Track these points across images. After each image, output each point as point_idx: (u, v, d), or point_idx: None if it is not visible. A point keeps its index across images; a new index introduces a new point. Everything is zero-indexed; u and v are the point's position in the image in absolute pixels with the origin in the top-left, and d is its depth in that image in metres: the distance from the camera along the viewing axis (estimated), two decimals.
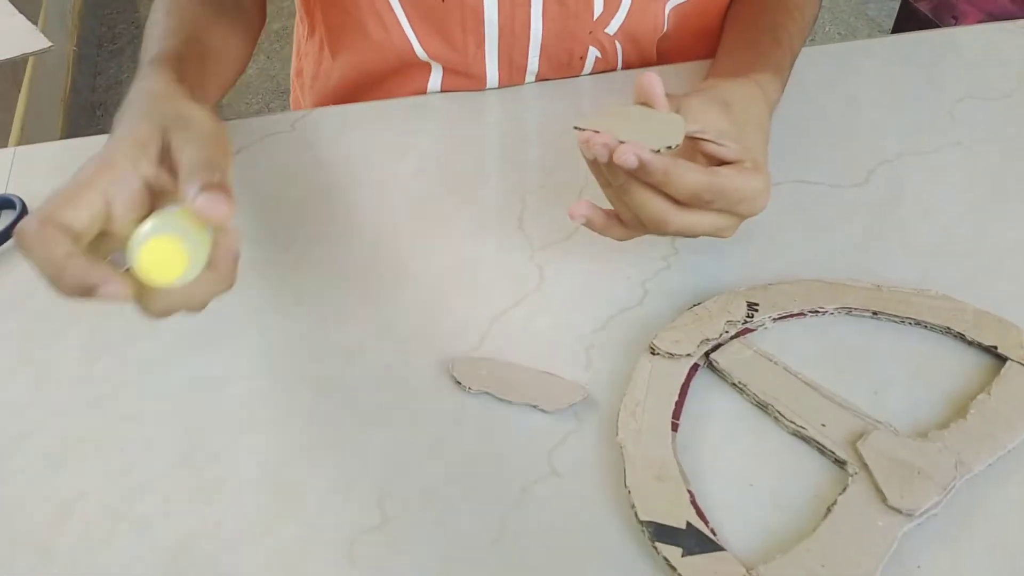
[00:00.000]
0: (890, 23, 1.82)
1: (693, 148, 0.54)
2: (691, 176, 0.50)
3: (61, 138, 1.90)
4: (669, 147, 0.50)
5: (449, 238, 0.62)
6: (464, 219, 0.63)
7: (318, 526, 0.47)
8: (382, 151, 0.69)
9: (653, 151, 0.49)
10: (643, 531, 0.45)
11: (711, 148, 0.53)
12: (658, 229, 0.52)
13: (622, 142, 0.49)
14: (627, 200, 0.52)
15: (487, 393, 0.52)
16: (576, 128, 0.50)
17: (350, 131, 0.71)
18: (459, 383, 0.52)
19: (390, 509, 0.47)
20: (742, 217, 0.54)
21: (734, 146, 0.53)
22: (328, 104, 0.79)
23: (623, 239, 0.55)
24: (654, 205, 0.51)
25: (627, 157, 0.49)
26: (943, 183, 0.65)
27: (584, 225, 0.54)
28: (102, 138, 0.70)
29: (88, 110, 2.14)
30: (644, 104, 0.53)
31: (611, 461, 0.49)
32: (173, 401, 0.52)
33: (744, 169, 0.53)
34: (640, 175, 0.50)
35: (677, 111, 0.53)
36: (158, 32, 0.59)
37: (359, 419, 0.51)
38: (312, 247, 0.61)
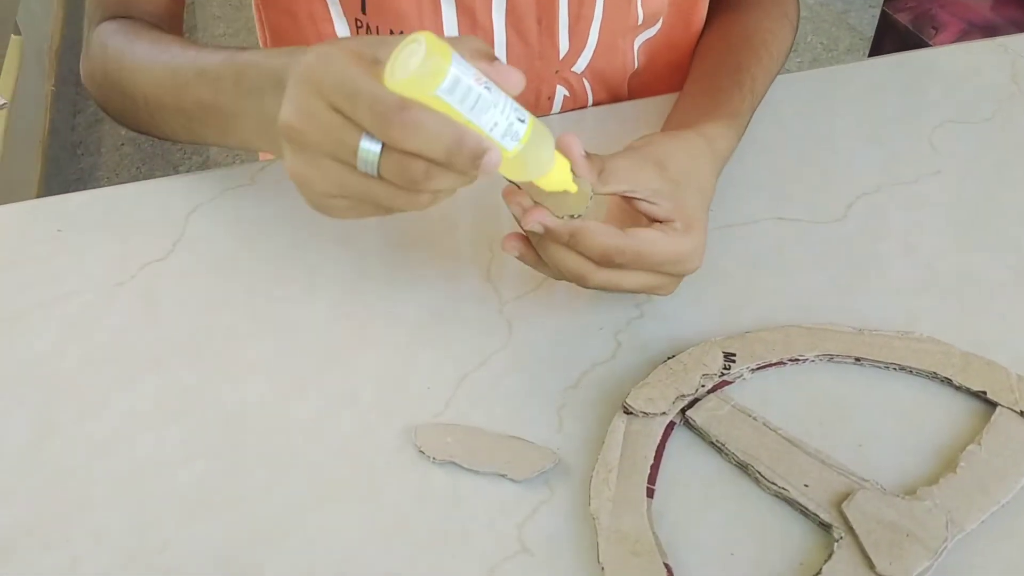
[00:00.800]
0: (871, 31, 1.81)
1: (631, 204, 0.53)
2: (599, 239, 0.50)
3: (41, 179, 1.88)
4: (572, 216, 0.49)
5: (415, 292, 0.59)
6: (431, 271, 0.60)
7: None
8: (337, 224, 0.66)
9: (557, 217, 0.49)
10: None
11: (644, 207, 0.52)
12: (580, 283, 0.52)
13: (536, 203, 0.49)
14: (545, 255, 0.52)
15: (453, 463, 0.49)
16: (507, 179, 0.49)
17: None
18: (423, 453, 0.50)
19: None
20: (674, 276, 0.53)
21: (665, 205, 0.52)
22: None
23: (557, 278, 0.54)
24: (571, 262, 0.51)
25: (533, 224, 0.50)
26: (924, 215, 0.63)
27: (517, 258, 0.54)
28: (72, 196, 0.69)
29: (68, 149, 2.12)
30: None
31: (584, 533, 0.46)
32: (123, 486, 0.50)
33: (671, 230, 0.52)
34: (549, 238, 0.50)
35: (601, 171, 0.51)
36: (188, 53, 0.58)
37: (317, 498, 0.48)
38: (270, 310, 0.58)
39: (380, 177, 0.43)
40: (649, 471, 0.48)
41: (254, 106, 0.51)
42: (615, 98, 0.75)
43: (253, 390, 0.54)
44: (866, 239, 0.62)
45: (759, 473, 0.48)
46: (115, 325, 0.58)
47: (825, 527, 0.46)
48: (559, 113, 0.74)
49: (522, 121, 0.44)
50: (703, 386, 0.51)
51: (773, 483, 0.47)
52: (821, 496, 0.47)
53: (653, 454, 0.49)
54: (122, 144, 2.09)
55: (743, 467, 0.49)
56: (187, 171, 1.45)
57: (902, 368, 0.53)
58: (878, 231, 0.62)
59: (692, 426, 0.50)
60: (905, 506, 0.46)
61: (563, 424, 0.52)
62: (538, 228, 0.49)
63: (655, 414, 0.50)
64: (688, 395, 0.51)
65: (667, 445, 0.50)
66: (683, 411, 0.51)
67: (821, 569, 0.44)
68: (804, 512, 0.47)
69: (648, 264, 0.51)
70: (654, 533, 0.45)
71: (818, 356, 0.53)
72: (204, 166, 1.96)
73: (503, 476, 0.49)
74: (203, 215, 0.65)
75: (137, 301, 0.59)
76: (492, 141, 0.43)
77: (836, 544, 0.45)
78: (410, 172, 0.42)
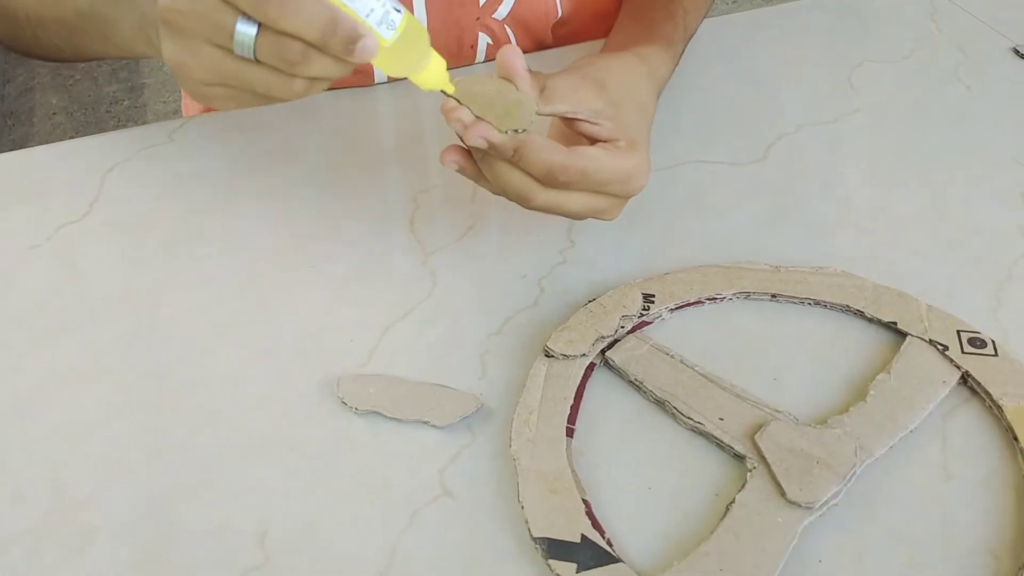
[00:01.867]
0: None
1: (572, 127, 0.52)
2: (544, 156, 0.48)
3: None
4: (516, 130, 0.48)
5: (336, 246, 0.59)
6: (352, 224, 0.60)
7: (196, 570, 0.44)
8: (265, 157, 0.65)
9: (501, 132, 0.47)
10: (537, 548, 0.43)
11: (585, 127, 0.51)
12: (523, 204, 0.51)
13: (478, 118, 0.48)
14: (489, 173, 0.50)
15: (375, 412, 0.49)
16: (445, 94, 0.48)
17: (231, 138, 0.67)
18: (345, 404, 0.50)
19: (272, 546, 0.44)
20: (619, 198, 0.52)
21: (608, 124, 0.51)
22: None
23: (497, 193, 0.52)
24: (515, 179, 0.49)
25: (476, 139, 0.47)
26: (843, 154, 0.64)
27: (457, 171, 0.52)
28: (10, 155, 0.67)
29: None
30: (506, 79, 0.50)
31: (506, 475, 0.47)
32: (42, 445, 0.49)
33: (616, 149, 0.51)
34: (493, 153, 0.48)
35: (543, 89, 0.50)
36: None
37: (238, 451, 0.48)
38: (189, 267, 0.58)
39: (256, 61, 0.43)
40: (569, 411, 0.49)
41: (129, 5, 0.51)
42: (540, 46, 0.75)
43: (173, 346, 0.53)
44: (785, 180, 0.62)
45: (676, 409, 0.49)
46: (31, 287, 0.57)
47: (739, 458, 0.47)
48: (483, 62, 0.73)
49: (398, 11, 0.44)
50: (622, 327, 0.52)
51: (689, 418, 0.48)
52: (735, 428, 0.47)
53: (573, 395, 0.49)
54: (54, 114, 2.04)
55: (660, 404, 0.49)
56: None
57: (816, 303, 0.53)
58: (797, 171, 0.63)
59: (611, 366, 0.51)
60: (815, 435, 0.47)
61: (486, 370, 0.52)
62: (481, 144, 0.48)
63: (575, 356, 0.51)
64: (608, 336, 0.52)
65: (587, 386, 0.50)
66: (603, 352, 0.52)
67: (735, 499, 0.45)
68: (719, 445, 0.47)
69: (593, 183, 0.50)
70: (573, 471, 0.46)
71: (735, 294, 0.54)
72: None
73: (426, 423, 0.49)
74: (120, 175, 0.64)
75: (54, 263, 0.58)
76: (368, 27, 0.43)
77: (749, 474, 0.46)
78: (286, 53, 0.42)
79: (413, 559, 0.44)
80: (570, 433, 0.48)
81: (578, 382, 0.50)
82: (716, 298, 0.54)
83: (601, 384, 0.51)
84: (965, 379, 0.50)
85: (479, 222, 0.60)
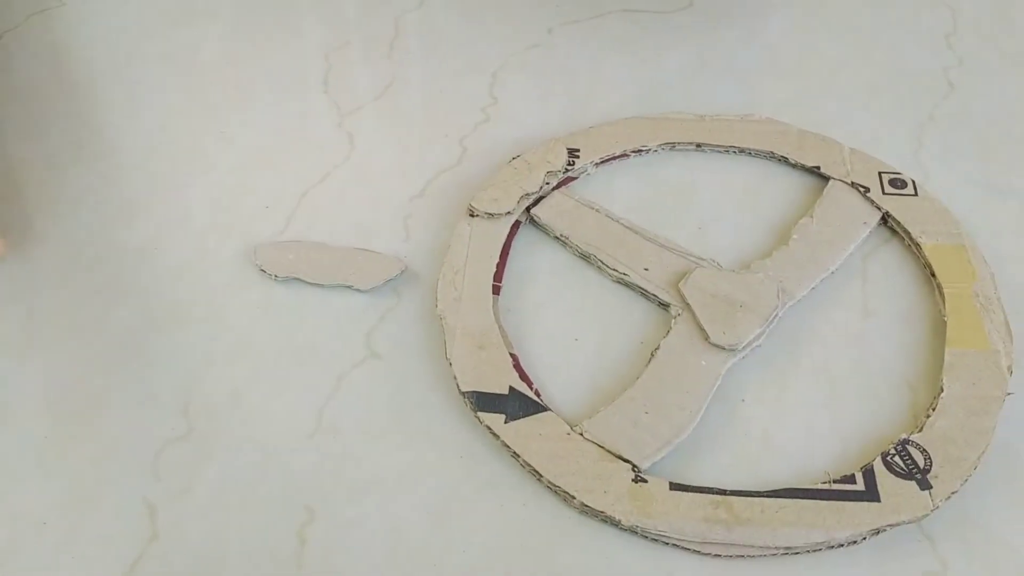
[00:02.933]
0: None
1: None
2: None
3: None
4: None
5: (247, 110, 0.56)
6: (263, 88, 0.57)
7: (118, 443, 0.43)
8: (167, 19, 0.61)
9: None
10: (465, 402, 0.43)
11: None
12: None
13: None
14: None
15: (296, 279, 0.48)
16: None
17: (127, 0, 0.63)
18: (264, 272, 0.48)
19: (195, 416, 0.44)
20: None
21: None
22: None
23: None
24: None
25: None
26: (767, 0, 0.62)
27: None
28: None
29: None
30: None
31: (432, 335, 0.46)
32: None
33: None
34: None
35: None
36: None
37: (156, 323, 0.47)
38: (90, 138, 0.55)
39: None
40: (495, 269, 0.48)
41: None
42: None
43: (79, 221, 0.51)
44: (712, 26, 0.61)
45: (601, 261, 0.48)
46: None
47: (664, 306, 0.47)
48: None
49: None
50: (548, 183, 0.51)
51: (615, 269, 0.48)
52: (660, 278, 0.47)
53: (498, 253, 0.49)
54: None
55: (586, 257, 0.49)
56: None
57: (741, 150, 0.53)
58: (723, 17, 0.61)
59: (537, 223, 0.50)
60: (739, 279, 0.47)
61: (410, 233, 0.51)
62: None
63: (500, 214, 0.50)
64: (533, 193, 0.50)
65: (512, 243, 0.50)
66: (528, 209, 0.51)
67: (659, 345, 0.45)
68: (644, 294, 0.47)
69: None
70: (500, 326, 0.46)
71: (660, 146, 0.53)
72: None
73: (349, 287, 0.48)
74: (11, 42, 0.60)
75: None
76: None
77: (674, 321, 0.46)
78: None
79: (341, 421, 0.44)
80: (496, 291, 0.48)
81: (503, 240, 0.49)
82: (641, 150, 0.53)
83: (527, 241, 0.50)
84: (886, 219, 0.50)
85: (397, 80, 0.58)
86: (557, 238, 0.50)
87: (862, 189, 0.50)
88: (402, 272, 0.48)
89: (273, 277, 0.48)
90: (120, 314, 0.47)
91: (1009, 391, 0.43)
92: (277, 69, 0.58)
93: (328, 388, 0.45)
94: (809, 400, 0.44)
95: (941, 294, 0.46)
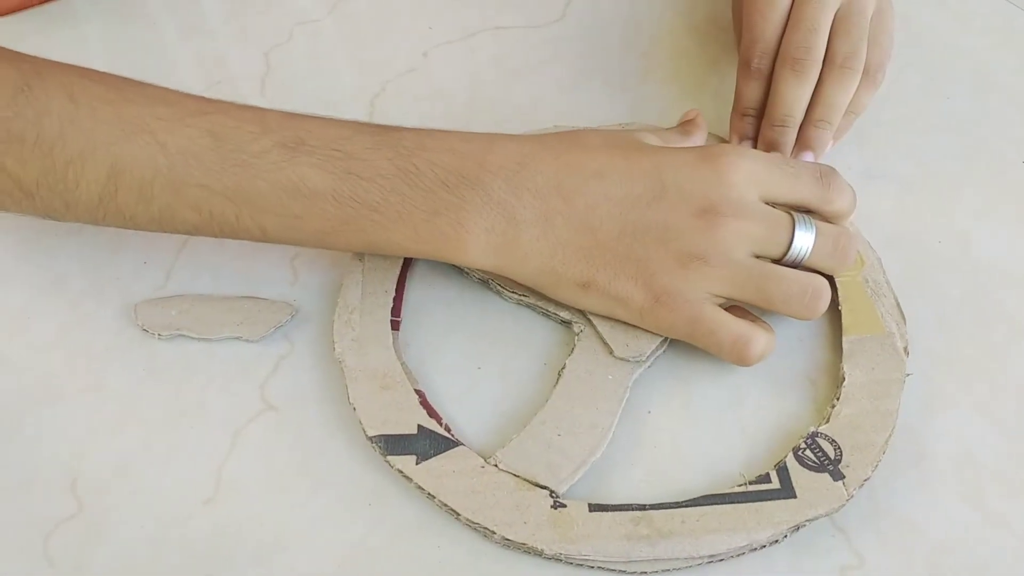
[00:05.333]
0: None
1: None
2: None
3: None
4: None
5: None
6: None
7: (4, 529, 0.40)
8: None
9: None
10: (374, 447, 0.42)
11: None
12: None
13: None
14: None
15: (181, 335, 0.46)
16: None
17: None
18: (147, 331, 0.46)
19: (85, 492, 0.41)
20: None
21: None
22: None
23: None
24: None
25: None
26: (642, 4, 0.63)
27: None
28: None
29: None
30: None
31: (331, 380, 0.45)
32: None
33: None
34: None
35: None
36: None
37: (34, 396, 0.44)
38: None
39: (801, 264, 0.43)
40: (392, 303, 0.47)
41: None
42: None
43: None
44: (587, 37, 0.61)
45: (499, 285, 0.47)
46: None
47: (566, 324, 0.46)
48: None
49: None
50: None
51: (513, 292, 0.47)
52: None
53: (394, 287, 0.47)
54: None
55: (484, 283, 0.48)
56: None
57: None
58: (598, 26, 0.61)
59: None
60: None
61: (298, 275, 0.49)
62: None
63: None
64: None
65: (408, 275, 0.48)
66: None
67: (565, 364, 0.44)
68: (546, 314, 0.47)
69: None
70: (403, 363, 0.44)
71: None
72: None
73: (238, 339, 0.46)
74: None
75: None
76: None
77: (577, 338, 0.45)
78: (845, 246, 0.44)
79: (241, 480, 0.42)
80: (395, 326, 0.46)
81: (398, 272, 0.48)
82: None
83: (422, 271, 0.49)
84: None
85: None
86: (453, 265, 0.49)
87: None
88: (292, 317, 0.47)
89: (156, 336, 0.46)
90: None
91: (908, 372, 0.44)
92: None
93: (224, 447, 0.43)
94: (714, 404, 0.44)
95: (832, 284, 0.47)
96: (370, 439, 0.42)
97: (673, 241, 0.42)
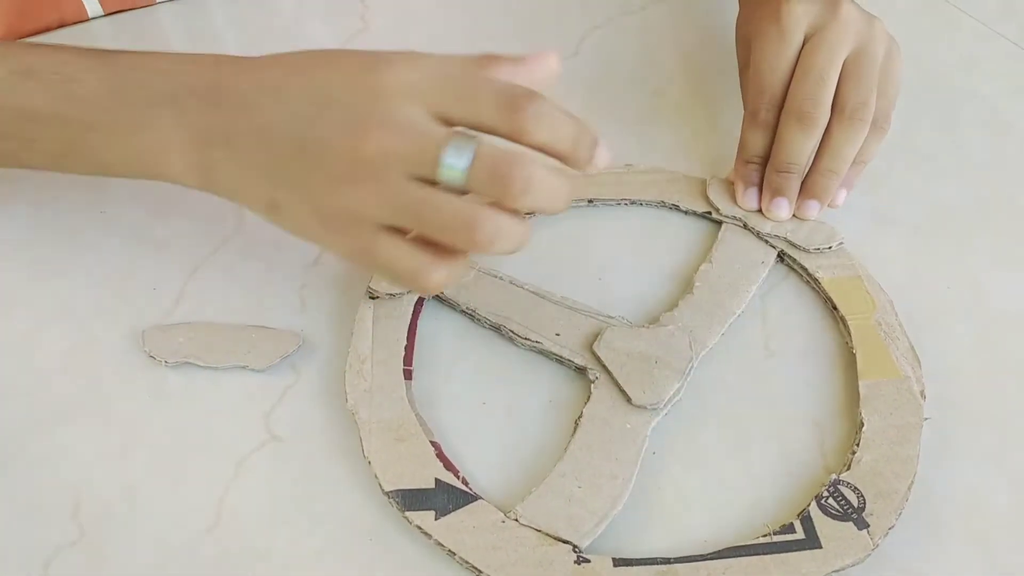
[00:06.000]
0: None
1: None
2: None
3: None
4: None
5: (128, 184, 0.53)
6: None
7: (6, 554, 0.40)
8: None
9: None
10: (391, 503, 0.41)
11: None
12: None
13: None
14: None
15: (188, 363, 0.46)
16: None
17: None
18: (154, 358, 0.46)
19: (87, 518, 0.41)
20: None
21: None
22: None
23: None
24: None
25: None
26: (655, 43, 0.63)
27: None
28: None
29: None
30: None
31: (335, 413, 0.45)
32: None
33: None
34: None
35: None
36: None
37: (40, 420, 0.44)
38: None
39: (458, 192, 0.37)
40: (404, 353, 0.46)
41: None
42: None
43: None
44: (599, 75, 0.61)
45: (512, 332, 0.47)
46: None
47: (581, 371, 0.46)
48: None
49: None
50: None
51: (527, 339, 0.47)
52: (573, 341, 0.47)
53: (405, 335, 0.47)
54: None
55: (496, 329, 0.48)
56: None
57: (632, 202, 0.53)
58: (610, 64, 0.62)
59: (441, 298, 0.49)
60: (650, 334, 0.46)
61: (306, 304, 0.49)
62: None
63: (401, 294, 0.48)
64: None
65: (418, 323, 0.48)
66: None
67: (582, 412, 0.44)
68: (560, 360, 0.46)
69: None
70: (416, 414, 0.44)
71: None
72: None
73: (244, 368, 0.46)
74: None
75: None
76: None
77: (593, 385, 0.45)
78: (511, 173, 0.37)
79: (243, 510, 0.41)
80: (408, 375, 0.46)
81: (408, 321, 0.47)
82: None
83: (433, 318, 0.49)
84: (781, 257, 0.51)
85: None
86: (464, 311, 0.48)
87: (755, 231, 0.51)
88: (299, 347, 0.47)
89: (163, 363, 0.46)
90: (2, 414, 0.44)
91: (925, 416, 0.44)
92: None
93: (227, 476, 0.42)
94: (721, 449, 0.44)
95: (846, 326, 0.47)
96: (387, 494, 0.41)
97: (329, 161, 0.38)
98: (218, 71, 0.41)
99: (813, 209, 0.50)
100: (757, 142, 0.51)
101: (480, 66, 0.39)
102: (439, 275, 0.39)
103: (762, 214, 0.51)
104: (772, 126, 0.50)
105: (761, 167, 0.51)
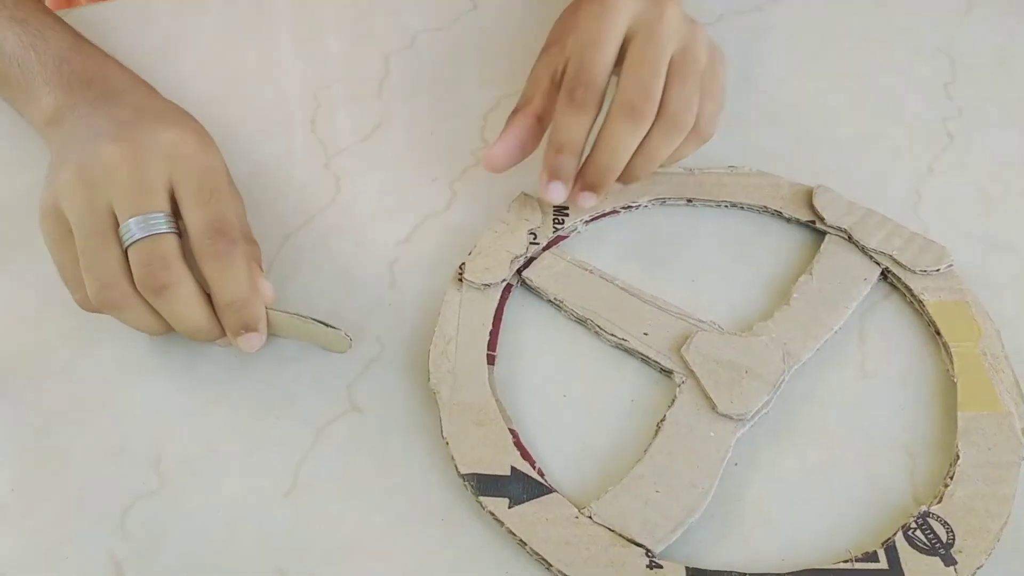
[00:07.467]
0: None
1: None
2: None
3: None
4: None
5: (231, 149, 0.54)
6: (248, 126, 0.56)
7: (85, 497, 0.41)
8: (145, 54, 0.60)
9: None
10: (466, 486, 0.41)
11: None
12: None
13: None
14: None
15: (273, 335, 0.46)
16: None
17: (99, 35, 0.61)
18: None
19: (167, 470, 0.42)
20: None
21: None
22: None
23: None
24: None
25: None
26: (766, 45, 0.61)
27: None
28: None
29: None
30: None
31: (417, 388, 0.45)
32: None
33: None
34: None
35: None
36: None
37: (129, 372, 0.45)
38: None
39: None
40: (488, 337, 0.46)
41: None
42: None
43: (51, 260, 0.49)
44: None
45: (598, 327, 0.46)
46: None
47: (667, 373, 0.45)
48: None
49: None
50: (536, 243, 0.49)
51: (613, 335, 0.46)
52: (661, 342, 0.46)
53: (491, 320, 0.46)
54: None
55: (582, 322, 0.47)
56: None
57: (733, 205, 0.52)
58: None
59: (529, 286, 0.48)
60: (742, 343, 0.45)
61: (395, 280, 0.49)
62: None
63: (495, 283, 0.47)
64: (520, 255, 0.48)
65: (505, 308, 0.48)
66: (519, 272, 0.49)
67: (665, 416, 0.43)
68: (645, 360, 0.46)
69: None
70: (497, 400, 0.44)
71: (651, 201, 0.51)
72: None
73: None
74: None
75: None
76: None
77: (678, 389, 0.44)
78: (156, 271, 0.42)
79: (319, 478, 0.42)
80: (491, 360, 0.45)
81: (495, 305, 0.47)
82: (631, 206, 0.51)
83: (519, 305, 0.48)
84: (885, 275, 0.49)
85: (386, 121, 0.56)
86: (551, 301, 0.48)
87: (860, 245, 0.49)
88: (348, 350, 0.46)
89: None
90: (92, 362, 0.45)
91: None
92: (262, 107, 0.56)
93: (306, 443, 0.43)
94: (805, 467, 0.43)
95: (948, 353, 0.45)
96: (462, 476, 0.41)
97: (102, 150, 0.44)
98: (109, 83, 0.50)
99: (588, 202, 0.48)
100: (576, 127, 0.46)
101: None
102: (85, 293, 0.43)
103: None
104: (593, 111, 0.46)
105: (577, 159, 0.47)
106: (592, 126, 0.47)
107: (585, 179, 0.48)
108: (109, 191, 0.42)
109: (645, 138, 0.46)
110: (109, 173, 0.42)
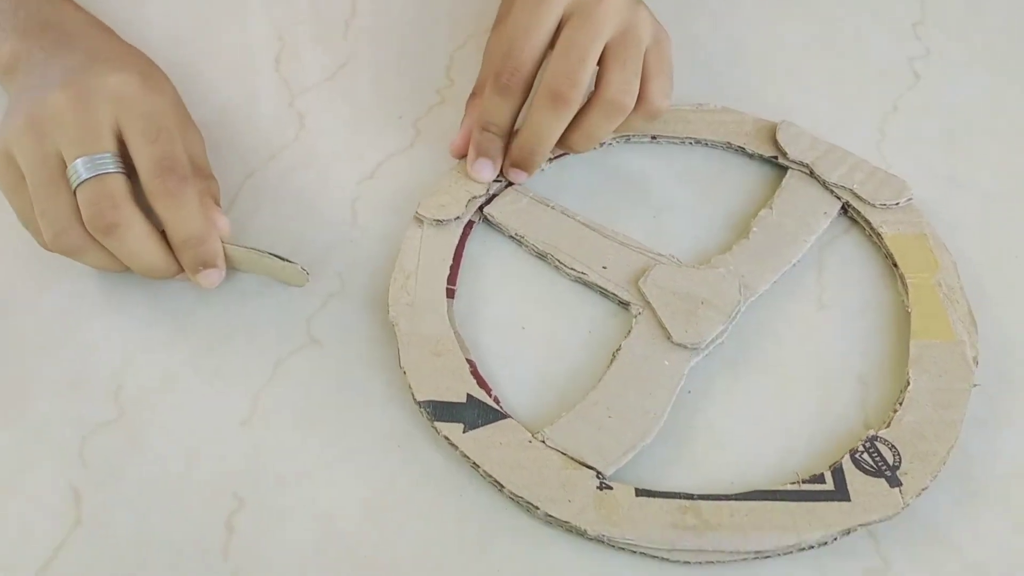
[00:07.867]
0: None
1: None
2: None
3: None
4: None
5: (194, 87, 0.54)
6: (213, 66, 0.55)
7: (44, 428, 0.42)
8: None
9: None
10: (422, 412, 0.41)
11: None
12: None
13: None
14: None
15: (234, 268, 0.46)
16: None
17: None
18: None
19: (126, 400, 0.42)
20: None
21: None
22: None
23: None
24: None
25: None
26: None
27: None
28: None
29: None
30: None
31: (376, 324, 0.45)
32: None
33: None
34: None
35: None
36: None
37: (90, 305, 0.45)
38: None
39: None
40: (448, 272, 0.46)
41: None
42: None
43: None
44: (677, 18, 0.59)
45: (559, 261, 0.47)
46: None
47: (624, 305, 0.45)
48: None
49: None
50: (499, 181, 0.49)
51: (572, 268, 0.46)
52: (619, 276, 0.46)
53: (452, 256, 0.47)
54: None
55: (543, 257, 0.47)
56: None
57: (697, 141, 0.52)
58: (688, 7, 0.60)
59: (491, 222, 0.48)
60: (699, 275, 0.45)
61: (357, 217, 0.49)
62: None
63: (449, 220, 0.47)
64: (480, 196, 0.48)
65: (466, 244, 0.48)
66: (481, 208, 0.49)
67: (620, 345, 0.44)
68: (604, 293, 0.46)
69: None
70: (455, 331, 0.44)
71: (615, 138, 0.51)
72: None
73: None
74: None
75: None
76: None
77: (635, 320, 0.44)
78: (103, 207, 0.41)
79: (277, 408, 0.42)
80: (451, 294, 0.46)
81: (456, 241, 0.47)
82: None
83: (481, 240, 0.48)
84: (846, 209, 0.49)
85: (352, 60, 0.56)
86: (512, 237, 0.48)
87: (821, 180, 0.49)
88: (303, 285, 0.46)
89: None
90: (53, 297, 0.45)
91: (975, 382, 0.42)
92: (227, 45, 0.56)
93: (265, 375, 0.43)
94: (760, 395, 0.43)
95: (904, 285, 0.45)
96: (419, 404, 0.41)
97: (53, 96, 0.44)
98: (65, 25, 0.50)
99: (519, 179, 0.49)
100: (501, 110, 0.47)
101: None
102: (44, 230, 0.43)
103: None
104: (518, 96, 0.47)
105: (502, 139, 0.48)
106: (519, 109, 0.48)
107: (512, 158, 0.48)
108: (57, 137, 0.42)
109: (583, 118, 0.46)
110: (56, 119, 0.42)
